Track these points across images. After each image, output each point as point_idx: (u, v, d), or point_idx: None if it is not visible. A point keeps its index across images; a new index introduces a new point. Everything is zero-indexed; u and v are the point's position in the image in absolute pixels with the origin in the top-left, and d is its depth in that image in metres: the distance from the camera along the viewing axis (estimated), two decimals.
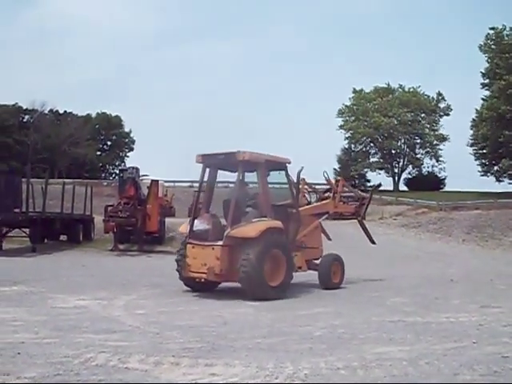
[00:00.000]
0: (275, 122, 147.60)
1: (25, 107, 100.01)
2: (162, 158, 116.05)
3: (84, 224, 33.16)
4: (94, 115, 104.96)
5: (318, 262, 16.88)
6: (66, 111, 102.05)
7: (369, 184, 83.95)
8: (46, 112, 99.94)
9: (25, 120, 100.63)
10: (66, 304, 12.86)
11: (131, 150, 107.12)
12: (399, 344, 9.06)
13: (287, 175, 15.84)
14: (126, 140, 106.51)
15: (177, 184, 58.39)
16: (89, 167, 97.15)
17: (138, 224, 28.73)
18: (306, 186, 19.65)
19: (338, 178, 18.79)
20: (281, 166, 15.82)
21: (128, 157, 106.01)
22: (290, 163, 15.89)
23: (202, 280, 14.58)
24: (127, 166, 49.32)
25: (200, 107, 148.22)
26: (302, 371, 7.33)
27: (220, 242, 14.26)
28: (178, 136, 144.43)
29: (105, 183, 63.61)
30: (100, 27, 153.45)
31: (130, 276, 18.73)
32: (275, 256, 14.40)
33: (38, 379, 6.93)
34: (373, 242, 19.81)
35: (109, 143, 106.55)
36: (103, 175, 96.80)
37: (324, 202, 18.49)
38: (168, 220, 33.31)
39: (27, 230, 29.28)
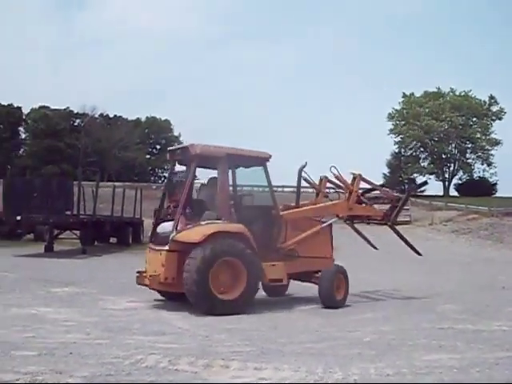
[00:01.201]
0: (323, 126, 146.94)
1: (76, 111, 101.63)
2: None
3: (133, 227, 33.53)
4: (143, 119, 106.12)
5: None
6: (116, 115, 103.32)
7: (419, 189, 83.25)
8: (97, 116, 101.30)
9: (76, 124, 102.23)
10: (117, 306, 13.04)
11: None
12: (449, 351, 8.93)
13: (265, 172, 13.82)
14: (176, 144, 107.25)
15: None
16: (138, 171, 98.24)
17: None
18: (328, 184, 16.04)
19: (355, 173, 15.43)
20: (255, 161, 13.99)
21: None
22: (268, 159, 13.90)
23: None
24: (176, 169, 49.59)
25: (249, 109, 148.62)
26: (352, 376, 7.30)
27: (166, 247, 12.85)
28: (227, 139, 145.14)
29: (154, 186, 64.00)
30: (150, 32, 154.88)
31: None
32: (230, 265, 12.53)
33: (90, 379, 7.03)
34: (417, 253, 16.90)
35: (158, 147, 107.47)
36: (152, 178, 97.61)
37: (332, 202, 15.62)
38: None
39: (78, 232, 29.77)
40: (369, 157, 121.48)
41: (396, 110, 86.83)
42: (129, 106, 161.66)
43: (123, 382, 6.98)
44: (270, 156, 13.95)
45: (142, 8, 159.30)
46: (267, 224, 13.68)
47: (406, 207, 48.90)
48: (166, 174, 62.94)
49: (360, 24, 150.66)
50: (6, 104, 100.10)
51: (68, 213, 28.66)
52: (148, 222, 31.71)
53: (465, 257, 32.18)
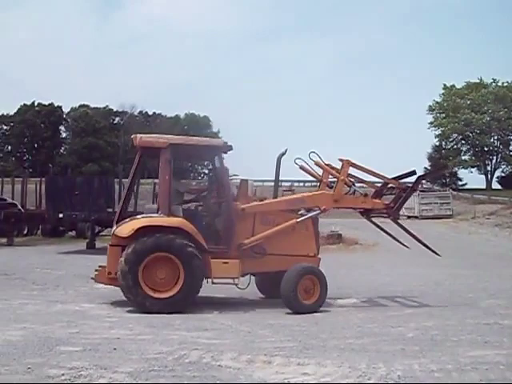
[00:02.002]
0: (364, 120, 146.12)
1: (115, 109, 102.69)
2: (250, 158, 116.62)
3: None
4: (182, 116, 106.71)
5: None
6: (155, 112, 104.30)
7: (460, 182, 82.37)
8: (136, 114, 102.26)
9: (115, 122, 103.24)
10: None
11: None
12: (495, 347, 8.82)
13: (220, 162, 12.91)
14: None
15: (265, 183, 58.51)
16: (178, 167, 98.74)
17: None
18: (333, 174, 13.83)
19: (343, 158, 13.41)
20: (207, 152, 13.43)
21: None
22: (222, 148, 13.01)
23: None
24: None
25: (289, 106, 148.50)
26: (396, 372, 7.25)
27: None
28: (266, 135, 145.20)
29: (194, 183, 64.34)
30: (190, 28, 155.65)
31: None
32: (166, 261, 11.90)
33: (134, 374, 7.10)
34: (435, 253, 14.47)
35: None
36: (192, 175, 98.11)
37: (312, 193, 14.03)
38: None
39: None
40: (410, 150, 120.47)
41: (437, 103, 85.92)
42: (168, 102, 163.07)
43: (167, 377, 7.02)
44: (226, 144, 13.15)
45: (181, 5, 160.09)
46: (220, 218, 12.83)
47: (446, 201, 48.82)
48: (206, 171, 63.21)
49: (398, 15, 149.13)
50: (46, 104, 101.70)
51: (109, 210, 28.88)
52: None
53: (509, 251, 31.62)
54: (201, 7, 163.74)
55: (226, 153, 13.11)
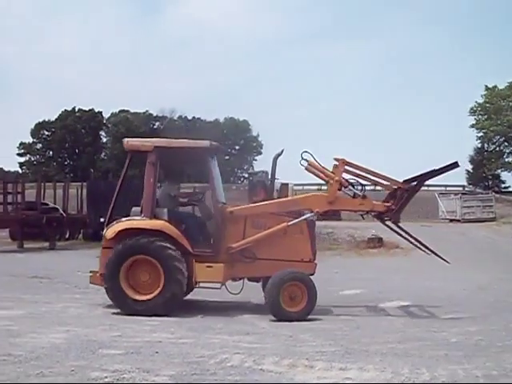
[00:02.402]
0: (405, 122, 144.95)
1: (155, 114, 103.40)
2: (291, 161, 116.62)
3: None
4: (221, 120, 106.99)
5: None
6: (194, 117, 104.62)
7: (503, 185, 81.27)
8: (176, 118, 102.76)
9: (155, 127, 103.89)
10: (199, 306, 13.16)
11: (259, 153, 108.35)
12: None
13: (206, 165, 12.68)
14: (254, 144, 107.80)
15: (305, 187, 58.44)
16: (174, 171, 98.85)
17: None
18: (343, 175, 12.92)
19: (338, 157, 12.80)
20: (193, 153, 13.01)
21: (256, 160, 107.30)
22: (209, 149, 12.77)
23: None
24: (256, 169, 49.84)
25: (328, 108, 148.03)
26: (439, 378, 7.16)
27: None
28: (306, 138, 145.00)
29: (234, 187, 64.43)
30: (228, 32, 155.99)
31: None
32: (148, 264, 11.91)
33: (176, 377, 7.12)
34: (444, 260, 13.66)
35: (237, 147, 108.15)
36: (232, 179, 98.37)
37: (305, 195, 13.83)
38: None
39: None
40: (451, 153, 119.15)
41: (478, 104, 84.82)
42: (207, 107, 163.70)
43: (209, 381, 7.03)
44: (213, 145, 12.85)
45: (220, 9, 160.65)
46: (207, 221, 12.68)
47: (489, 204, 48.12)
48: (246, 174, 63.35)
49: (437, 15, 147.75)
50: (87, 109, 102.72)
51: None
52: None
53: None
54: (239, 11, 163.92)
55: (215, 155, 13.06)
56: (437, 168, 12.15)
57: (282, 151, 13.27)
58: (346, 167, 12.81)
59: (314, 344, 9.21)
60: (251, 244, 12.33)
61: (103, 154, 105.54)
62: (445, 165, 12.13)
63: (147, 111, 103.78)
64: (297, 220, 12.44)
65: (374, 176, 13.07)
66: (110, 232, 12.24)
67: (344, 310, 12.82)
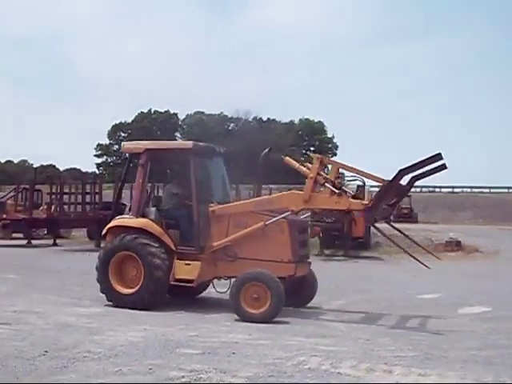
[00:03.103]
0: (483, 125, 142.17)
1: (230, 116, 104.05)
2: (365, 162, 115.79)
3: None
4: (296, 121, 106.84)
5: None
6: (269, 118, 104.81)
7: None
8: (251, 120, 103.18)
9: (230, 128, 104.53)
10: None
11: (334, 154, 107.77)
12: None
13: (190, 164, 12.55)
14: (329, 145, 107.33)
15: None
16: (291, 172, 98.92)
17: (344, 229, 28.69)
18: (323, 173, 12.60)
19: (317, 155, 12.60)
20: (179, 154, 13.18)
21: None
22: (192, 149, 12.70)
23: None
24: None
25: (403, 109, 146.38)
26: None
27: None
28: (382, 140, 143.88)
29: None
30: (300, 33, 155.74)
31: (336, 281, 18.68)
32: (133, 259, 12.38)
33: (253, 379, 7.11)
34: (422, 264, 13.25)
35: (312, 149, 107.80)
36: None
37: (281, 193, 13.46)
38: None
39: None
40: None
41: None
42: (282, 108, 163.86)
43: (285, 383, 6.98)
44: (197, 146, 12.88)
45: (294, 10, 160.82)
46: (188, 220, 12.65)
47: None
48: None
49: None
50: (162, 111, 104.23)
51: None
52: None
53: None
54: (314, 12, 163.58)
55: (200, 155, 12.95)
56: (415, 162, 11.28)
57: (270, 150, 13.42)
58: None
59: (393, 348, 9.06)
60: (232, 243, 12.39)
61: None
62: (425, 157, 11.15)
63: (222, 113, 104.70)
64: (274, 219, 12.19)
65: (355, 173, 12.69)
66: (105, 229, 13.11)
67: (422, 314, 12.55)
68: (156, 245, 12.29)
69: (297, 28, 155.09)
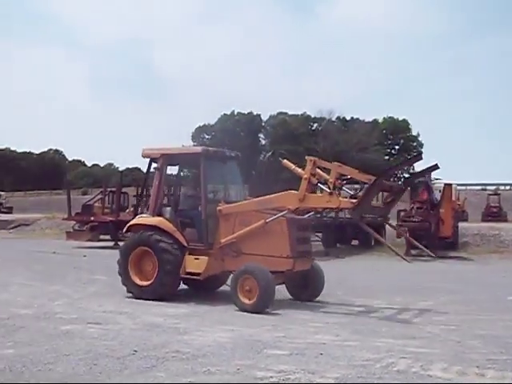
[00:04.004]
0: None
1: (313, 116, 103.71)
2: (452, 161, 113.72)
3: (375, 229, 33.30)
4: (380, 120, 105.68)
5: None
6: (352, 118, 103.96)
7: None
8: (334, 119, 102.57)
9: (313, 128, 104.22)
10: (362, 308, 13.01)
11: (420, 153, 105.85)
12: None
13: (200, 167, 13.51)
14: (414, 143, 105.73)
15: (469, 187, 56.74)
16: (377, 172, 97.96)
17: (432, 229, 28.23)
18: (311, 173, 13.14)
19: (310, 157, 13.28)
20: (190, 158, 14.29)
21: None
22: (201, 154, 13.62)
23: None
24: (417, 169, 48.87)
25: (494, 105, 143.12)
26: None
27: None
28: (472, 137, 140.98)
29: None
30: (384, 30, 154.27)
31: (424, 281, 18.43)
32: (146, 254, 13.57)
33: (342, 380, 7.07)
34: (404, 259, 14.82)
35: (396, 147, 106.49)
36: (392, 179, 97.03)
37: (279, 193, 13.50)
38: (461, 225, 32.34)
39: (320, 235, 30.21)
40: None
41: None
42: (365, 107, 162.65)
43: None
44: (205, 150, 14.01)
45: (373, 6, 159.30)
46: (198, 219, 13.58)
47: None
48: (406, 175, 62.04)
49: None
50: (246, 112, 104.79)
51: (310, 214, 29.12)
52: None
53: None
54: (393, 7, 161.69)
55: (210, 159, 13.79)
56: (399, 162, 11.69)
57: (273, 152, 13.77)
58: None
59: (484, 351, 8.82)
60: (237, 240, 13.28)
61: (262, 156, 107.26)
62: (408, 158, 11.57)
63: (305, 113, 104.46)
64: (274, 217, 12.98)
65: (347, 173, 13.85)
66: (126, 227, 14.32)
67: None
68: (169, 241, 13.39)
69: (379, 25, 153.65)
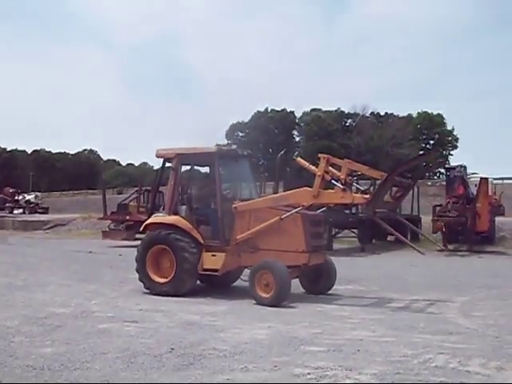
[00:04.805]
0: None
1: (347, 111, 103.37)
2: (489, 155, 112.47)
3: (411, 224, 33.11)
4: (415, 115, 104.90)
5: None
6: (386, 113, 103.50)
7: None
8: (368, 115, 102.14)
9: (347, 124, 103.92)
10: (399, 304, 12.90)
11: (455, 147, 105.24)
12: None
13: (214, 166, 13.78)
14: (449, 138, 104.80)
15: (505, 181, 55.94)
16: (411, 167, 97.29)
17: (468, 223, 28.00)
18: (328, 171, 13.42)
19: (323, 155, 13.56)
20: (205, 158, 14.18)
21: (452, 155, 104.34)
22: (216, 154, 13.80)
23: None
24: (452, 164, 48.55)
25: None
26: None
27: None
28: (508, 130, 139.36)
29: (429, 183, 63.13)
30: (413, 24, 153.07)
31: (461, 277, 18.28)
32: (163, 252, 13.87)
33: (380, 376, 7.04)
34: (418, 251, 14.73)
35: (431, 142, 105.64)
36: (427, 175, 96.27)
37: (293, 190, 13.91)
38: (497, 219, 31.99)
39: (356, 231, 30.13)
40: None
41: None
42: (400, 102, 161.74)
43: (413, 381, 6.89)
44: (220, 150, 14.51)
45: (404, 1, 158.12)
46: (214, 217, 13.76)
47: None
48: (442, 170, 61.55)
49: None
50: (279, 109, 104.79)
51: (347, 212, 29.08)
52: (425, 219, 31.28)
53: None
54: (427, 1, 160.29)
55: (224, 158, 14.15)
56: (410, 159, 11.75)
57: (284, 151, 14.45)
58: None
59: None
60: (253, 236, 13.58)
61: (296, 153, 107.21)
62: (418, 155, 11.62)
63: (339, 109, 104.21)
64: (289, 213, 13.25)
65: (359, 170, 14.00)
66: (142, 225, 14.67)
67: None
68: (186, 239, 13.65)
69: (412, 19, 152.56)
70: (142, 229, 14.74)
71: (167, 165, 14.74)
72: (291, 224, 13.32)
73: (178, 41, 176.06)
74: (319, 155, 13.71)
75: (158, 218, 14.45)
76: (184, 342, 8.81)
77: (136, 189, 36.71)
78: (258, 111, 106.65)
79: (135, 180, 64.64)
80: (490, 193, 31.98)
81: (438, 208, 29.93)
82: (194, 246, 13.62)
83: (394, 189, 14.22)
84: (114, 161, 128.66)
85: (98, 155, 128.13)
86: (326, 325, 10.28)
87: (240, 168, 14.89)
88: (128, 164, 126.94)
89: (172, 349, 8.37)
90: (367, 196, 13.06)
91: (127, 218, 32.19)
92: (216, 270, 13.62)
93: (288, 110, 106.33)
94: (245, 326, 10.17)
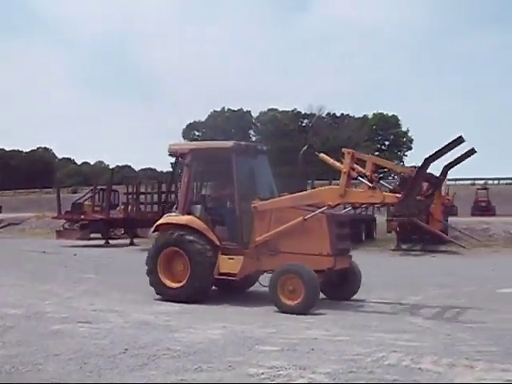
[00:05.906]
0: None
1: (303, 112, 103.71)
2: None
3: (366, 224, 33.40)
4: (370, 116, 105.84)
5: None
6: (342, 114, 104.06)
7: None
8: (324, 115, 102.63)
9: (304, 124, 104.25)
10: (353, 303, 12.98)
11: (409, 148, 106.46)
12: None
13: (231, 163, 12.79)
14: (404, 139, 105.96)
15: (458, 182, 56.81)
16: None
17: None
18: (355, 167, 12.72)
19: (348, 150, 12.66)
20: (221, 153, 13.21)
21: (406, 156, 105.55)
22: (232, 149, 12.97)
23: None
24: (407, 165, 48.94)
25: (482, 102, 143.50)
26: None
27: None
28: (460, 132, 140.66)
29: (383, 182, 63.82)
30: (371, 27, 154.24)
31: (415, 276, 18.52)
32: (176, 254, 12.95)
33: (333, 375, 7.07)
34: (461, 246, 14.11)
35: (386, 143, 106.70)
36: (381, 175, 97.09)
37: (318, 189, 13.60)
38: (450, 219, 32.41)
39: None
40: None
41: None
42: (355, 103, 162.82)
43: (366, 379, 6.95)
44: (236, 145, 13.22)
45: (363, 4, 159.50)
46: (231, 217, 13.00)
47: None
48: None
49: None
50: (236, 109, 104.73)
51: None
52: (381, 219, 31.57)
53: None
54: (385, 5, 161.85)
55: (241, 154, 13.09)
56: (440, 148, 11.19)
57: (308, 146, 14.03)
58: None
59: (474, 343, 8.88)
60: (274, 238, 12.66)
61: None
62: (448, 142, 11.06)
63: (295, 109, 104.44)
64: (313, 214, 12.39)
65: (386, 166, 13.54)
66: (153, 226, 13.75)
67: (503, 309, 12.28)
68: (201, 242, 12.74)
69: (368, 22, 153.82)
70: (153, 230, 13.85)
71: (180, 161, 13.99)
72: (315, 225, 12.44)
73: (134, 40, 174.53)
74: (343, 150, 12.73)
75: (170, 218, 13.57)
76: (138, 342, 8.76)
77: (91, 188, 36.36)
78: (215, 111, 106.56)
79: (90, 179, 63.99)
80: (442, 193, 32.41)
81: (392, 208, 30.22)
82: (210, 249, 12.73)
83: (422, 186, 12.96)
84: (69, 159, 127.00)
85: (53, 153, 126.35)
86: (281, 324, 10.32)
87: (258, 165, 13.81)
88: (83, 163, 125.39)
89: (126, 349, 8.30)
90: (399, 195, 12.00)
91: (82, 217, 31.83)
92: (233, 275, 12.69)
93: (245, 110, 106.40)
94: (199, 325, 10.14)
